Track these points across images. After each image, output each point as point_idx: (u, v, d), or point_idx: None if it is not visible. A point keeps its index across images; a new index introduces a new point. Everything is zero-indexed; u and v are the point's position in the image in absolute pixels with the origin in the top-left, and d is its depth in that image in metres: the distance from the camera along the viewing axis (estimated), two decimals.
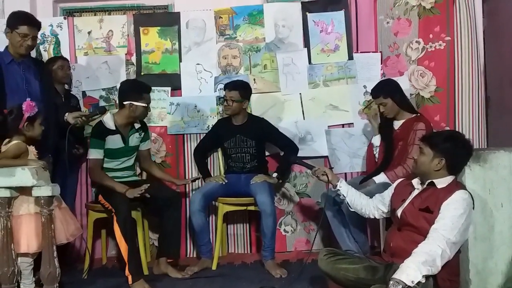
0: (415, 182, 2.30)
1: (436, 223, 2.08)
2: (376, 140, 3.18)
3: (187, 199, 3.51)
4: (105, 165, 3.11)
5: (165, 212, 3.07)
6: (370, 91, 3.15)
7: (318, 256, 2.31)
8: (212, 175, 3.45)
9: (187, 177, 3.55)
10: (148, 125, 3.49)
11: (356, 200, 2.55)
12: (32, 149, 2.58)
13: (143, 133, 3.25)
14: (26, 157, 2.53)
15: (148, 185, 2.94)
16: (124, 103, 3.06)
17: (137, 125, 3.19)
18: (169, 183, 3.34)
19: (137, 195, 2.91)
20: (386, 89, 3.04)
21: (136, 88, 3.10)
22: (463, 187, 2.20)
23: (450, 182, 2.20)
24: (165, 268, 3.04)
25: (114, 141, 3.08)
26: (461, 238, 2.10)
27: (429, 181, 2.23)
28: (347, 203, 2.59)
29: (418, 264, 1.96)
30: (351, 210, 2.61)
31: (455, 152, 2.20)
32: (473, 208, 2.17)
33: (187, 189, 3.57)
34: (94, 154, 3.05)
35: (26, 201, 2.47)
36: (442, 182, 2.20)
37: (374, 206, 2.50)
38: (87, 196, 3.52)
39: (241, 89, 3.24)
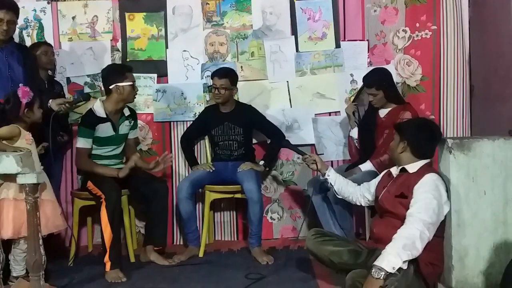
0: (393, 169, 2.37)
1: (411, 207, 2.13)
2: (354, 133, 3.22)
3: (174, 187, 3.50)
4: (94, 152, 3.08)
5: (152, 201, 3.06)
6: (362, 78, 3.15)
7: (307, 236, 2.39)
8: (200, 163, 3.45)
9: (173, 165, 3.53)
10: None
11: (344, 188, 2.60)
12: (27, 135, 2.57)
13: (132, 121, 3.23)
14: (16, 141, 2.51)
15: (137, 158, 3.01)
16: (110, 87, 3.01)
17: (126, 112, 3.16)
18: (156, 172, 3.32)
19: (127, 171, 2.96)
20: (380, 81, 3.05)
21: (118, 70, 3.07)
22: (432, 170, 2.27)
23: (421, 166, 2.26)
24: (152, 256, 3.04)
25: (105, 129, 3.05)
26: (437, 218, 2.14)
27: (401, 167, 2.29)
28: (335, 191, 2.62)
29: (398, 250, 2.00)
30: (338, 197, 2.64)
31: (417, 135, 2.28)
32: (445, 185, 2.22)
33: (174, 177, 3.56)
34: (82, 143, 3.01)
35: (6, 187, 2.46)
36: (413, 167, 2.27)
37: (361, 194, 2.54)
38: (72, 184, 3.48)
39: (231, 76, 3.24)
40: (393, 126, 2.39)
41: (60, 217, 2.66)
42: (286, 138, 3.15)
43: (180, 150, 3.52)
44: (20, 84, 2.58)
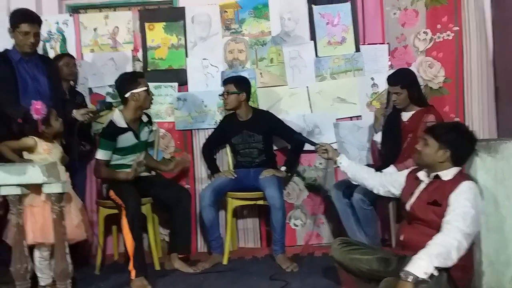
0: (421, 175, 2.29)
1: (447, 215, 2.06)
2: (378, 137, 3.18)
3: (197, 195, 3.51)
4: (120, 162, 3.10)
5: (176, 209, 3.07)
6: (387, 78, 3.11)
7: (332, 246, 2.33)
8: (221, 171, 3.46)
9: (196, 173, 3.54)
10: (156, 120, 3.50)
11: (358, 174, 2.57)
12: (44, 145, 2.60)
13: (151, 126, 3.26)
14: (33, 152, 2.57)
15: (141, 160, 3.05)
16: (126, 95, 3.04)
17: (145, 119, 3.19)
18: (179, 178, 3.35)
19: (136, 173, 3.00)
20: (405, 80, 3.01)
21: (130, 77, 3.09)
22: (469, 177, 2.20)
23: (455, 173, 2.19)
24: (177, 264, 3.05)
25: (128, 139, 3.07)
26: (474, 229, 2.08)
27: (435, 174, 2.22)
28: (349, 177, 2.60)
29: (430, 256, 1.94)
30: (355, 184, 2.64)
31: (459, 143, 2.19)
32: (482, 198, 2.16)
33: (196, 185, 3.58)
34: (102, 154, 3.02)
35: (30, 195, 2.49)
36: (447, 174, 2.19)
37: (381, 183, 2.49)
38: (97, 192, 3.52)
39: (235, 81, 3.26)
40: (427, 131, 2.27)
41: (78, 228, 2.64)
42: (304, 143, 3.13)
43: (201, 158, 3.53)
44: (32, 101, 2.60)
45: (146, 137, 3.22)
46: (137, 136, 3.11)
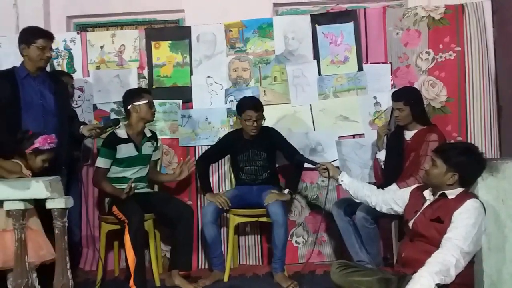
0: (427, 193, 2.29)
1: (449, 232, 2.06)
2: (381, 155, 3.19)
3: (199, 211, 3.52)
4: (121, 175, 3.14)
5: (177, 225, 3.07)
6: (391, 94, 3.14)
7: (331, 269, 2.30)
8: (223, 188, 3.46)
9: (199, 189, 3.55)
10: (160, 137, 3.54)
11: (360, 192, 2.57)
12: (28, 173, 2.62)
13: (155, 143, 3.30)
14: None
15: (132, 179, 3.04)
16: (128, 107, 3.14)
17: (148, 133, 3.23)
18: (181, 192, 3.36)
19: (128, 191, 2.97)
20: (409, 97, 3.03)
21: (134, 91, 3.21)
22: (474, 196, 2.19)
23: (460, 191, 2.20)
24: (177, 280, 3.04)
25: (128, 149, 3.12)
26: (474, 248, 2.08)
27: (441, 192, 2.22)
28: (351, 195, 2.60)
29: (431, 274, 1.94)
30: (357, 201, 2.64)
31: (469, 167, 2.19)
32: (485, 215, 2.16)
33: (199, 202, 3.58)
34: (101, 162, 3.09)
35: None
36: (452, 193, 2.20)
37: (384, 201, 2.49)
38: (98, 207, 3.54)
39: (261, 107, 3.27)
40: (436, 152, 2.25)
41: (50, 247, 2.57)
42: (304, 163, 3.14)
43: None
44: (53, 135, 2.66)
45: (149, 152, 3.25)
46: (137, 148, 3.15)
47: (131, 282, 2.81)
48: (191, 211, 3.21)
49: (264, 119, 3.29)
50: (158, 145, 3.39)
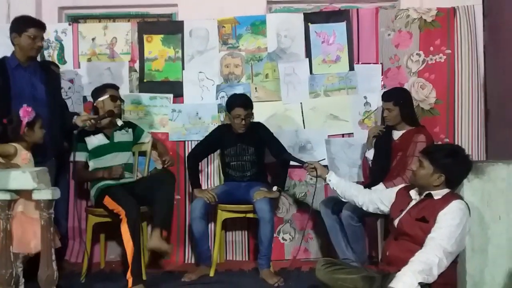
0: (413, 193, 2.32)
1: (433, 232, 2.09)
2: (370, 154, 3.21)
3: (187, 206, 3.52)
4: (101, 165, 3.19)
5: (159, 188, 3.06)
6: (381, 94, 3.17)
7: (316, 266, 2.32)
8: (212, 184, 3.46)
9: (187, 183, 3.55)
10: (150, 131, 3.54)
11: (347, 191, 2.60)
12: (23, 154, 2.60)
13: (129, 129, 3.34)
14: (12, 160, 2.56)
15: (122, 166, 3.16)
16: (94, 104, 3.25)
17: (119, 123, 3.26)
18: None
19: (114, 176, 3.09)
20: (399, 98, 3.06)
21: (98, 88, 3.27)
22: (459, 197, 2.22)
23: (446, 192, 2.22)
24: (159, 242, 2.93)
25: (98, 139, 3.21)
26: (457, 248, 2.11)
27: (427, 192, 2.25)
28: (338, 195, 2.62)
29: (414, 272, 1.97)
30: (344, 200, 2.68)
31: (455, 169, 2.22)
32: (469, 216, 2.19)
33: (187, 196, 3.59)
34: (79, 156, 3.16)
35: (21, 202, 2.48)
36: (438, 194, 2.23)
37: (370, 200, 2.52)
38: (87, 200, 3.52)
39: (252, 104, 3.29)
40: (423, 153, 2.28)
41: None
42: (290, 160, 3.15)
43: None
44: (24, 105, 2.63)
45: (124, 139, 3.30)
46: (108, 137, 3.22)
47: (129, 274, 2.80)
48: (171, 174, 3.22)
49: (253, 118, 3.30)
50: (138, 128, 3.40)
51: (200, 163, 3.50)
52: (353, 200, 2.60)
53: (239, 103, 3.21)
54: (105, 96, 3.20)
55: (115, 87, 3.31)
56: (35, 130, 2.65)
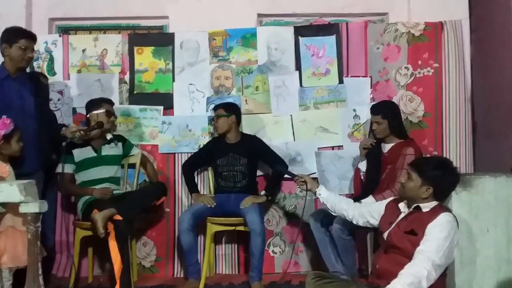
0: (402, 206, 2.33)
1: (422, 244, 2.10)
2: (363, 165, 3.22)
3: (176, 219, 3.50)
4: (84, 179, 3.19)
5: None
6: (370, 107, 3.19)
7: (306, 280, 2.31)
8: (200, 192, 3.45)
9: (177, 196, 3.55)
10: (139, 143, 3.53)
11: (337, 205, 2.61)
12: (2, 168, 2.57)
13: (119, 143, 3.34)
14: None
15: (111, 187, 3.16)
16: (87, 115, 3.26)
17: (108, 137, 3.28)
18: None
19: (103, 196, 3.06)
20: (387, 111, 3.09)
21: (94, 101, 3.30)
22: (447, 209, 2.24)
23: (435, 205, 2.24)
24: (102, 218, 2.79)
25: (85, 152, 3.23)
26: (446, 261, 2.12)
27: (415, 205, 2.26)
28: (328, 209, 2.63)
29: (403, 285, 1.97)
30: (334, 215, 2.68)
31: (443, 181, 2.23)
32: (458, 229, 2.20)
33: (176, 209, 3.56)
34: (66, 168, 3.14)
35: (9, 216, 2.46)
36: (427, 206, 2.24)
37: (360, 214, 2.52)
38: (75, 213, 3.48)
39: (225, 105, 3.37)
40: (412, 165, 2.30)
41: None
42: (288, 168, 3.17)
43: (183, 181, 3.52)
44: (4, 116, 2.61)
45: (112, 152, 3.29)
46: (95, 150, 3.22)
47: None
48: (163, 184, 3.32)
49: (233, 122, 3.33)
50: (127, 143, 3.41)
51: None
52: (343, 214, 2.60)
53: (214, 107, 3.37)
54: (101, 110, 3.22)
55: (111, 103, 3.34)
56: (11, 144, 2.62)
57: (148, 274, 3.50)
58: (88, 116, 3.25)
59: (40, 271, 2.36)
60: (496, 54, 3.47)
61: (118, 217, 2.84)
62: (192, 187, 3.40)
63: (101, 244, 2.93)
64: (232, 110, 3.35)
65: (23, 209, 2.32)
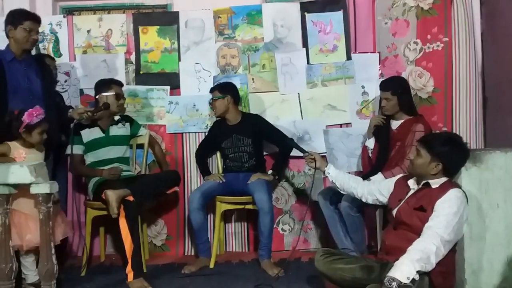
0: (411, 182, 2.32)
1: (430, 220, 2.10)
2: (370, 143, 3.20)
3: (186, 199, 3.52)
4: (94, 160, 3.21)
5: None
6: (379, 84, 3.15)
7: (315, 257, 2.33)
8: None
9: (186, 175, 3.58)
10: (147, 123, 3.54)
11: (346, 184, 2.61)
12: (16, 153, 2.59)
13: (126, 123, 3.35)
14: (6, 156, 2.56)
15: (121, 167, 3.16)
16: (96, 97, 3.25)
17: (116, 118, 3.29)
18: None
19: (112, 176, 3.07)
20: (397, 87, 3.05)
21: (104, 82, 3.28)
22: (457, 185, 2.23)
23: (444, 181, 2.23)
24: (116, 198, 2.82)
25: (94, 132, 3.22)
26: (455, 237, 2.12)
27: (425, 181, 2.25)
28: (337, 187, 2.62)
29: (412, 261, 1.98)
30: (343, 193, 2.69)
31: (453, 157, 2.21)
32: (467, 205, 2.19)
33: (186, 188, 3.58)
34: (75, 149, 3.14)
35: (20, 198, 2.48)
36: (436, 183, 2.23)
37: (369, 192, 2.52)
38: (86, 193, 3.52)
39: (219, 86, 3.33)
40: (421, 142, 2.28)
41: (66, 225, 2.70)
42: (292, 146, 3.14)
43: (192, 161, 3.55)
44: (37, 106, 2.62)
45: (120, 133, 3.30)
46: (103, 130, 3.23)
47: (128, 268, 2.80)
48: (177, 173, 3.33)
49: (229, 102, 3.29)
50: (135, 123, 3.42)
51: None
52: (352, 192, 2.60)
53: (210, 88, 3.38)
54: (110, 93, 3.22)
55: (121, 84, 3.33)
56: (33, 135, 2.62)
57: (159, 252, 3.55)
58: (97, 97, 3.25)
59: (53, 251, 2.40)
60: (508, 27, 3.38)
61: (130, 198, 2.87)
62: (205, 171, 3.44)
63: (112, 223, 2.96)
64: (226, 90, 3.30)
65: (34, 190, 2.35)
